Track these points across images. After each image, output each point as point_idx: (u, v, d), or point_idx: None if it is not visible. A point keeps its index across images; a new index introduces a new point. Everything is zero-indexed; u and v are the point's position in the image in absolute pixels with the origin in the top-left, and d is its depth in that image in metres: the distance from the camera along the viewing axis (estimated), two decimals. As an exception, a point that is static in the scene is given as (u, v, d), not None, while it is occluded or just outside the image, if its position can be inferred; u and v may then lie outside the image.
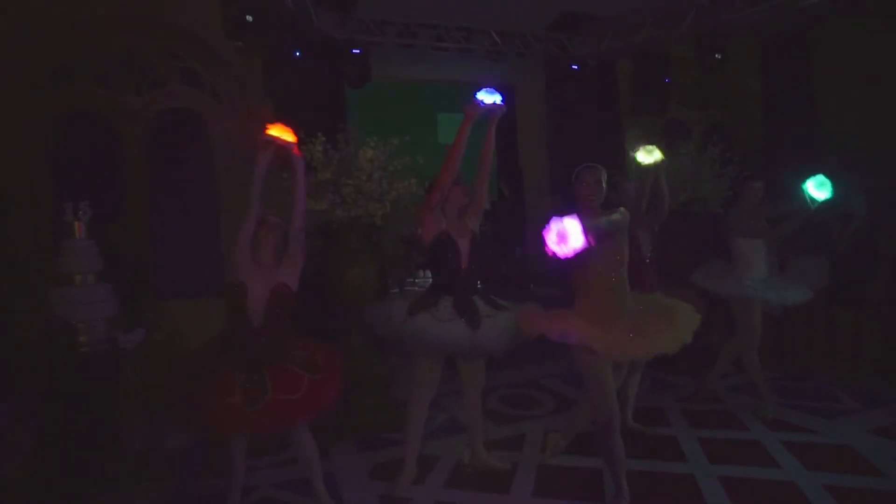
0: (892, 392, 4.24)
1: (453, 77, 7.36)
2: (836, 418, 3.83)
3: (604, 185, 2.74)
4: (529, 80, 7.51)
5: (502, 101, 2.97)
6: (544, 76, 7.06)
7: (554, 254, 2.35)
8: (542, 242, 2.37)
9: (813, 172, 3.54)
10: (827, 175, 3.50)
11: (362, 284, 3.93)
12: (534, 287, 7.32)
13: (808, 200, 3.51)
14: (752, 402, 4.05)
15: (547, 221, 2.37)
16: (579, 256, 2.60)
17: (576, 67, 6.56)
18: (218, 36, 4.84)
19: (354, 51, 5.63)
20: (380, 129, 4.10)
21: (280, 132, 2.71)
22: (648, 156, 3.25)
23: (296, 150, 2.77)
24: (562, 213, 2.43)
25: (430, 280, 3.20)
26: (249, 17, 4.28)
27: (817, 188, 3.48)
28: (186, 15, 5.00)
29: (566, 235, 2.32)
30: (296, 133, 3.66)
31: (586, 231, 2.33)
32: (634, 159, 3.41)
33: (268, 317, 2.59)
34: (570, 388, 4.60)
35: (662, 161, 3.05)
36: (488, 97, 2.93)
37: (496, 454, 3.41)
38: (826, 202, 3.51)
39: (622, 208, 2.77)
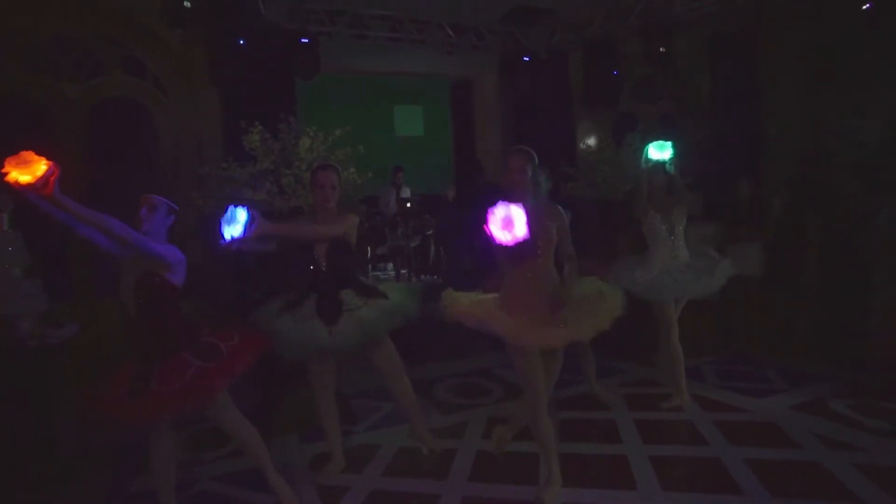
0: (818, 371, 4.46)
1: (408, 69, 7.36)
2: (765, 397, 4.00)
3: (529, 171, 2.64)
4: (484, 73, 7.56)
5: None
6: (498, 69, 7.12)
7: (495, 239, 2.29)
8: (483, 229, 2.29)
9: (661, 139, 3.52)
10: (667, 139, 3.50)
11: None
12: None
13: (649, 163, 3.52)
14: (694, 384, 4.20)
15: (489, 208, 2.29)
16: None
17: (527, 59, 6.62)
18: (161, 22, 4.71)
19: (303, 40, 5.55)
20: (336, 120, 4.07)
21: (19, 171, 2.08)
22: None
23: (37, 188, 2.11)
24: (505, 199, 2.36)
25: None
26: (188, 3, 4.17)
27: (658, 150, 3.50)
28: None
29: (512, 222, 2.26)
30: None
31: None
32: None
33: (139, 308, 2.48)
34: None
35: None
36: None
37: (441, 441, 3.43)
38: (668, 161, 3.51)
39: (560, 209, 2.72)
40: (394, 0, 6.02)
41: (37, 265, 3.67)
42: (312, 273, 2.90)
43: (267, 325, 2.84)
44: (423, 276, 7.25)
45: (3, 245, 3.23)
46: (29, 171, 2.10)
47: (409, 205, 7.03)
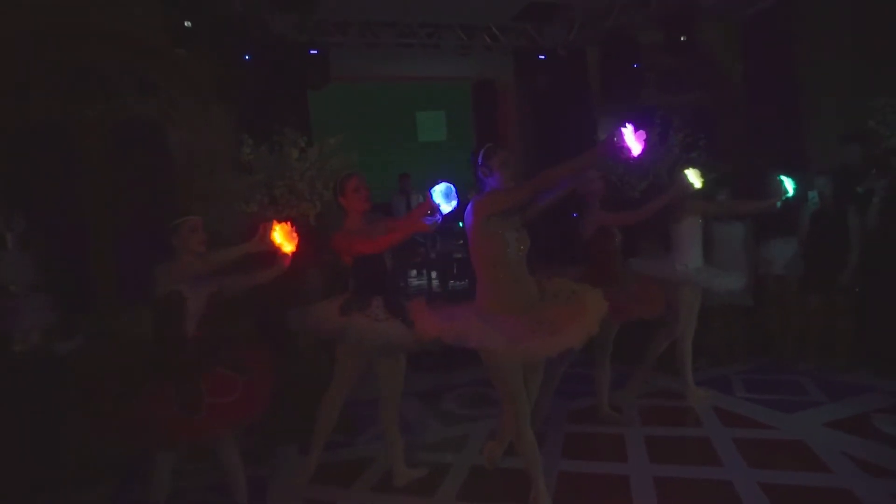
0: (862, 382, 4.00)
1: (423, 74, 7.29)
2: (797, 412, 3.62)
3: None
4: (503, 74, 7.37)
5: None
6: (514, 68, 6.93)
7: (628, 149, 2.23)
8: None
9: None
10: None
11: (302, 286, 3.87)
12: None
13: (783, 191, 3.70)
14: (719, 396, 3.94)
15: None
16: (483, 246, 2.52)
17: (543, 57, 6.41)
18: (170, 43, 4.86)
19: (312, 51, 5.59)
20: (355, 130, 4.06)
21: (283, 239, 2.68)
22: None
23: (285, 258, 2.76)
24: None
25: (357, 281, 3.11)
26: (188, 23, 4.27)
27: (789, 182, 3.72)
28: (135, 23, 5.01)
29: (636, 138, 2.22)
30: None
31: None
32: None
33: (202, 323, 2.59)
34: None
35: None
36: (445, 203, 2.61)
37: (436, 455, 3.35)
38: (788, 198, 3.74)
39: None
40: (401, 5, 5.96)
41: (52, 281, 3.83)
42: (381, 275, 2.94)
43: (337, 323, 2.85)
44: (450, 282, 7.15)
45: (12, 263, 3.37)
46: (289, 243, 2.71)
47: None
